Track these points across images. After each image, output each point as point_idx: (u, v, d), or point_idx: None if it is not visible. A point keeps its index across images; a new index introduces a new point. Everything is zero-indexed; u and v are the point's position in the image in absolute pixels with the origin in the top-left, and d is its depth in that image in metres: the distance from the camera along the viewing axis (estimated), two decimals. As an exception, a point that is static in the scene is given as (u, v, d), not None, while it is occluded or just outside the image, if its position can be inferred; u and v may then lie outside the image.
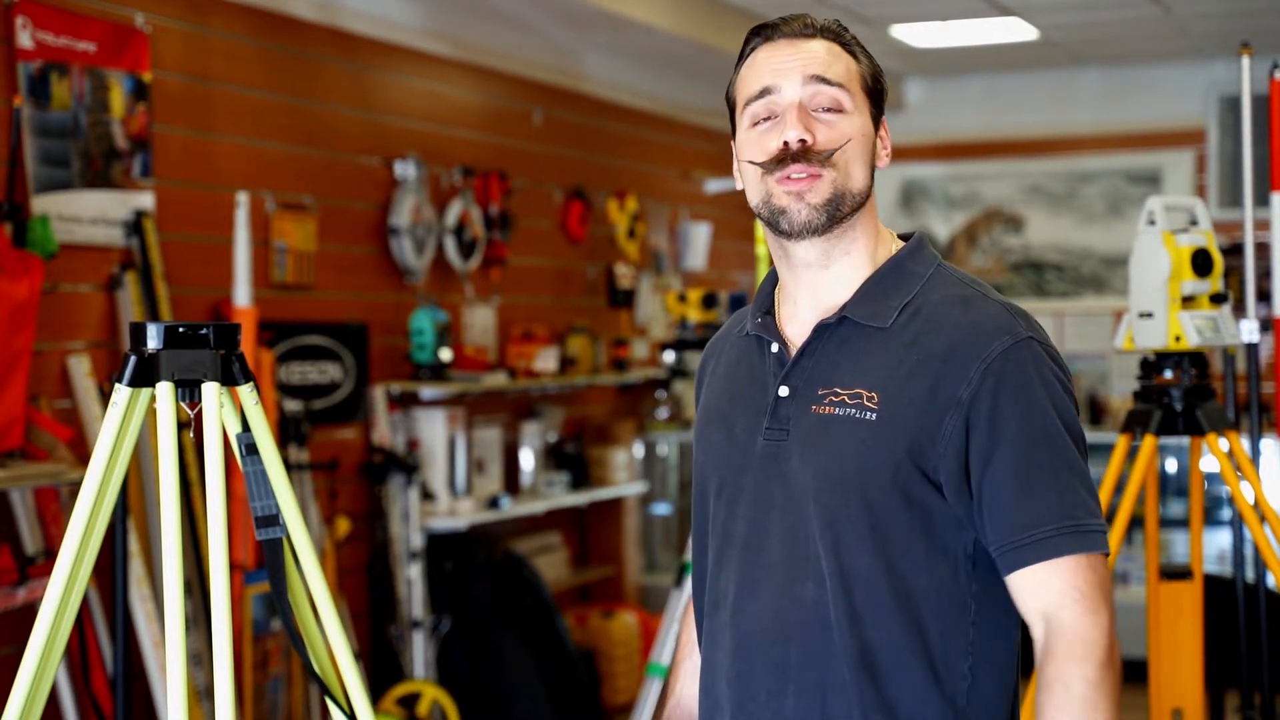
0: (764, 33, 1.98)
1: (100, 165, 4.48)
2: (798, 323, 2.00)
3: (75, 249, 4.40)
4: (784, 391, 1.96)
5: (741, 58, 2.01)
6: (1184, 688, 3.78)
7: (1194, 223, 3.69)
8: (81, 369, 4.39)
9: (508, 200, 6.36)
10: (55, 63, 4.34)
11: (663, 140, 7.78)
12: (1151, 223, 3.63)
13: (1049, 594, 1.84)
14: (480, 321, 6.30)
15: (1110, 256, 8.41)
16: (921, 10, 6.80)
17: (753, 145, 1.96)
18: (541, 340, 6.45)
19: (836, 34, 1.98)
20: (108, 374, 4.45)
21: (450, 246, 6.02)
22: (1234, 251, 5.26)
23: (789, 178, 1.92)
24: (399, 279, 5.83)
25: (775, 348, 2.00)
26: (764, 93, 1.95)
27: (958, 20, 6.99)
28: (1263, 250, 4.60)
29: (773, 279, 2.08)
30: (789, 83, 1.93)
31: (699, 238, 7.87)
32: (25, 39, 4.25)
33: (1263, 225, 4.47)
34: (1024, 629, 1.95)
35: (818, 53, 1.94)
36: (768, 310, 2.05)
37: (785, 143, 1.92)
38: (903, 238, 2.05)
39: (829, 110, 1.93)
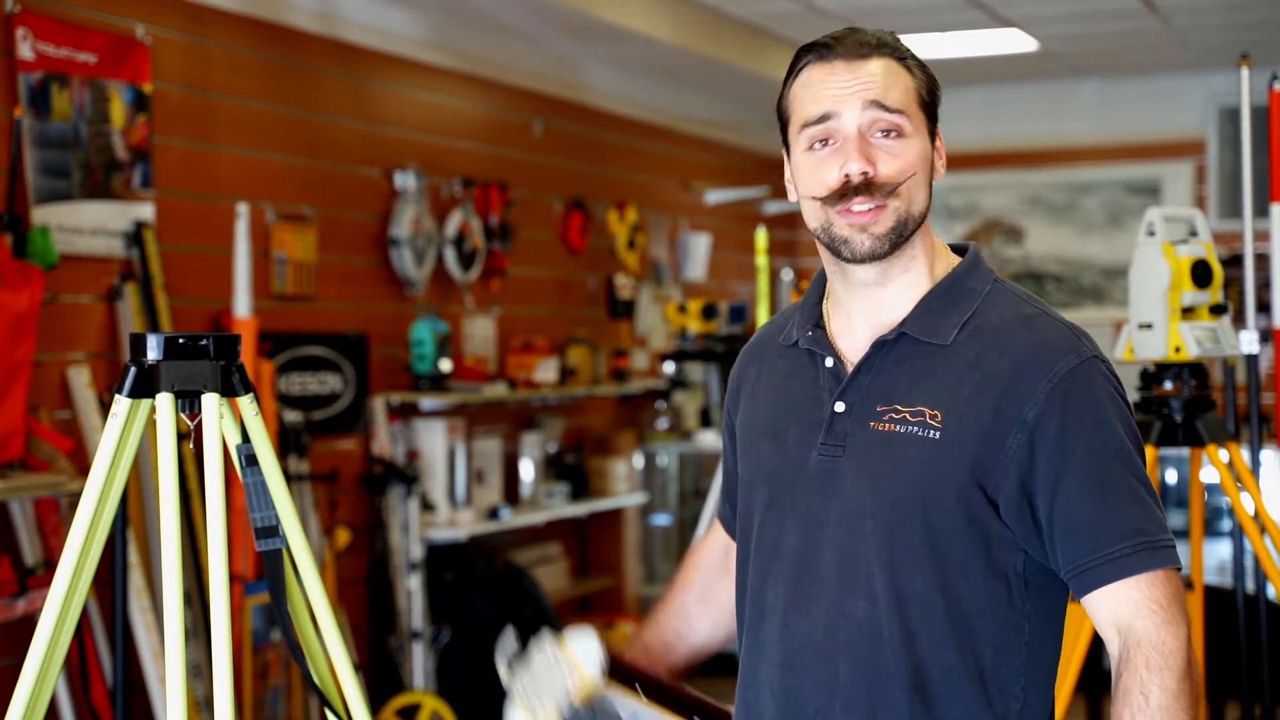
0: (818, 50, 1.94)
1: (100, 176, 4.49)
2: (851, 337, 1.98)
3: (75, 260, 4.40)
4: (840, 407, 1.94)
5: (793, 72, 1.97)
6: (1184, 699, 3.77)
7: (1193, 234, 3.69)
8: (81, 380, 4.39)
9: (508, 211, 6.37)
10: (56, 74, 4.35)
11: (663, 151, 7.79)
12: (1151, 234, 3.63)
13: (1127, 608, 1.84)
14: (480, 332, 6.30)
15: (1110, 267, 8.41)
16: (921, 21, 6.81)
17: (811, 173, 1.93)
18: (541, 351, 6.45)
19: (892, 48, 1.94)
20: (108, 385, 4.45)
21: (450, 257, 6.02)
22: (1233, 263, 5.27)
23: (851, 210, 1.90)
24: (399, 290, 5.83)
25: (830, 362, 1.98)
26: (822, 119, 1.91)
27: (957, 31, 7.00)
28: (1262, 261, 4.61)
29: (818, 289, 2.06)
30: (848, 109, 1.90)
31: (699, 248, 7.88)
32: (26, 50, 4.26)
33: (1262, 236, 4.47)
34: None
35: (875, 75, 1.91)
36: (817, 323, 2.03)
37: (847, 175, 1.90)
38: (954, 249, 2.03)
39: (888, 134, 1.90)
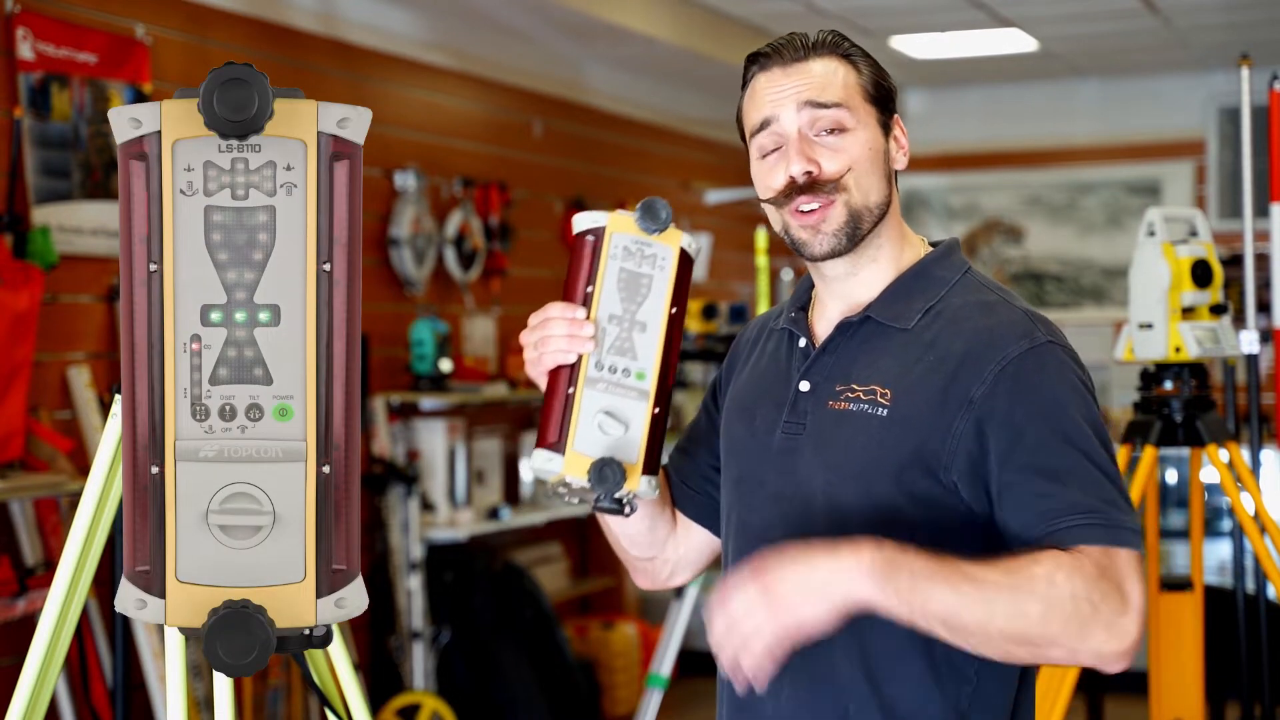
0: (759, 60, 1.98)
1: (101, 176, 4.49)
2: (825, 322, 2.01)
3: (75, 260, 4.40)
4: (804, 386, 1.96)
5: (744, 84, 2.01)
6: (1184, 699, 3.77)
7: (1194, 234, 3.69)
8: (81, 380, 4.39)
9: (508, 211, 6.37)
10: (56, 74, 4.35)
11: (663, 151, 7.79)
12: (1151, 234, 3.64)
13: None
14: (480, 332, 6.30)
15: (1110, 267, 8.41)
16: (921, 21, 6.81)
17: (762, 178, 1.97)
18: (541, 351, 6.44)
19: (833, 46, 1.96)
20: (108, 385, 4.45)
21: (450, 257, 6.02)
22: (1234, 262, 5.27)
23: (800, 210, 1.93)
24: (399, 290, 5.83)
25: (802, 343, 2.00)
26: (764, 125, 1.95)
27: (958, 31, 7.00)
28: (1262, 261, 4.60)
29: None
30: (786, 113, 1.93)
31: (699, 249, 7.87)
32: (26, 50, 4.26)
33: (1262, 236, 4.47)
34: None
35: (813, 75, 1.94)
36: (802, 306, 2.06)
37: (791, 176, 1.92)
38: (935, 245, 2.04)
39: (831, 132, 1.92)
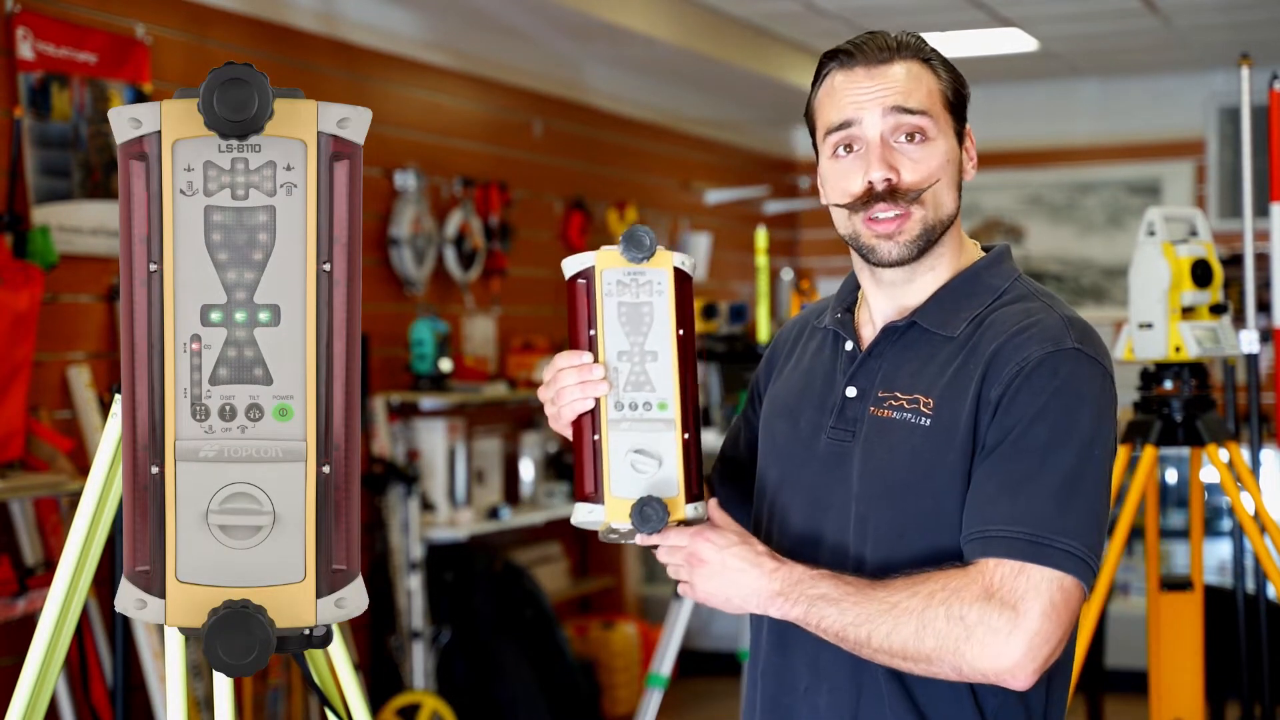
0: (839, 57, 1.95)
1: (101, 176, 4.49)
2: (872, 325, 2.00)
3: (75, 260, 4.40)
4: (852, 392, 1.95)
5: (818, 79, 1.98)
6: (1185, 699, 3.77)
7: (1194, 233, 3.69)
8: (81, 379, 4.39)
9: (508, 211, 6.37)
10: (56, 73, 4.35)
11: (663, 151, 7.79)
12: (1151, 233, 3.64)
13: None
14: (480, 332, 6.30)
15: (1110, 267, 8.42)
16: (921, 21, 6.81)
17: (836, 180, 1.94)
18: (541, 351, 6.45)
19: (915, 50, 1.94)
20: (108, 384, 4.45)
21: (450, 257, 6.02)
22: (1234, 262, 5.27)
23: (876, 219, 1.90)
24: (399, 289, 5.83)
25: (849, 346, 1.99)
26: (844, 125, 1.92)
27: (957, 31, 7.00)
28: (1262, 261, 4.60)
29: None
30: (869, 116, 1.90)
31: (699, 248, 7.88)
32: (26, 50, 4.26)
33: (1262, 236, 4.47)
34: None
35: (898, 79, 1.91)
36: (848, 307, 2.04)
37: (870, 182, 1.90)
38: (986, 249, 2.03)
39: (911, 138, 1.90)
